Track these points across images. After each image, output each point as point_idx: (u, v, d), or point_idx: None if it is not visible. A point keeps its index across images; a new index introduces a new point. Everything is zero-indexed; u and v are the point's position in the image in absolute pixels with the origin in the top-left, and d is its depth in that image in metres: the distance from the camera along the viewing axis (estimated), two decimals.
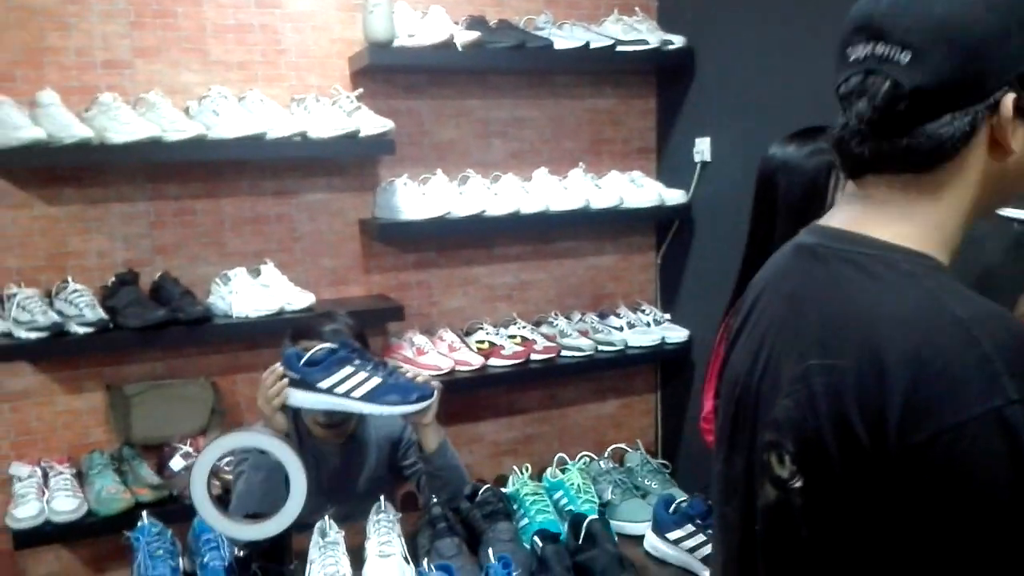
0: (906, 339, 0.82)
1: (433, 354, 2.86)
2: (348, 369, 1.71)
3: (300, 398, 1.73)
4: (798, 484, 0.89)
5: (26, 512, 2.38)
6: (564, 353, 2.99)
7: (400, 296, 2.97)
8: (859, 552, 0.86)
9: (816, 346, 0.89)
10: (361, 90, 2.74)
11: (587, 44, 2.88)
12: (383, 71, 2.83)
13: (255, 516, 1.30)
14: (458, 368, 2.85)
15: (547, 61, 2.91)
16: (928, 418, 0.79)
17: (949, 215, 0.90)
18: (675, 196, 3.09)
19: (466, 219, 2.80)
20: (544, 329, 3.09)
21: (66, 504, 2.41)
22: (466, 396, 3.10)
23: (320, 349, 1.72)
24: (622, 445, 2.14)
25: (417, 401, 1.79)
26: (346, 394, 1.70)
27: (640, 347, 3.08)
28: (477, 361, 2.86)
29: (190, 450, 2.61)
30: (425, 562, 1.56)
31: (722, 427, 1.08)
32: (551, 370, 2.98)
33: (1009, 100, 0.83)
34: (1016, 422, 0.76)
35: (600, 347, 3.03)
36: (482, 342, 2.95)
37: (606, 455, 2.08)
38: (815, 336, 0.90)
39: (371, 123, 2.67)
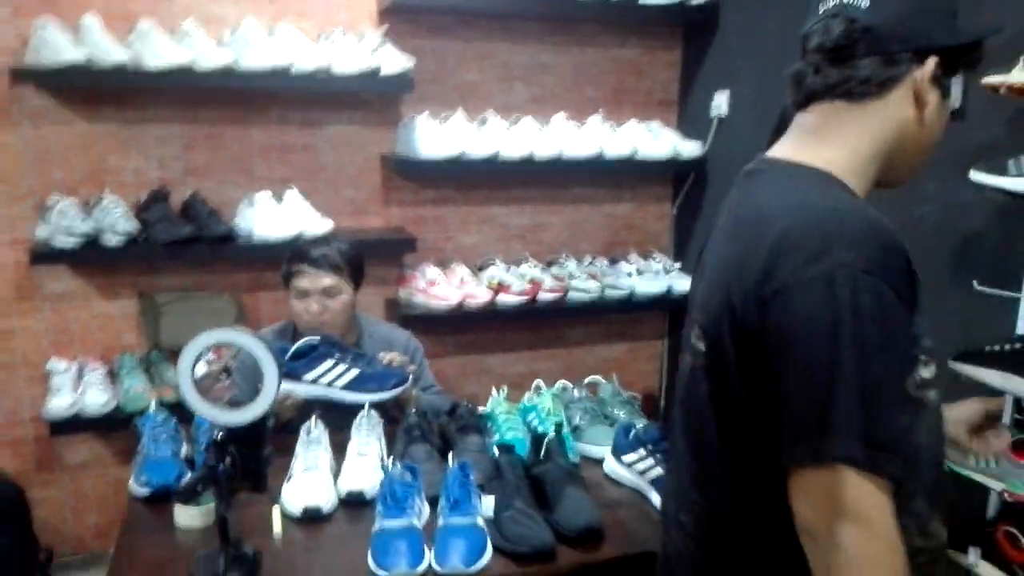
0: (779, 223, 1.05)
1: (444, 286, 3.00)
2: (329, 363, 1.92)
3: (287, 387, 1.93)
4: (702, 347, 1.14)
5: (61, 402, 2.62)
6: (571, 294, 3.10)
7: (416, 230, 3.10)
8: (738, 396, 1.09)
9: (728, 241, 1.14)
10: (387, 25, 2.85)
11: None
12: (409, 10, 2.92)
13: (235, 404, 1.46)
14: (467, 301, 2.98)
15: (571, 8, 2.97)
16: (775, 277, 1.02)
17: (863, 144, 1.12)
18: (691, 148, 3.15)
19: (481, 160, 2.90)
20: (554, 270, 3.20)
21: (97, 398, 2.64)
22: (476, 329, 3.24)
23: (304, 343, 1.90)
24: (598, 377, 2.26)
25: (394, 387, 1.98)
26: (329, 384, 1.90)
27: (647, 294, 3.16)
28: (486, 295, 2.99)
29: (213, 356, 2.80)
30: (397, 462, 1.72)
31: (684, 332, 1.27)
32: (558, 310, 3.10)
33: (931, 63, 1.08)
34: (841, 280, 0.97)
35: (607, 290, 3.13)
36: (493, 278, 3.08)
37: (584, 384, 2.21)
38: (728, 233, 1.15)
39: (393, 61, 2.78)
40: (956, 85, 2.05)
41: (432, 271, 3.02)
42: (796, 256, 1.00)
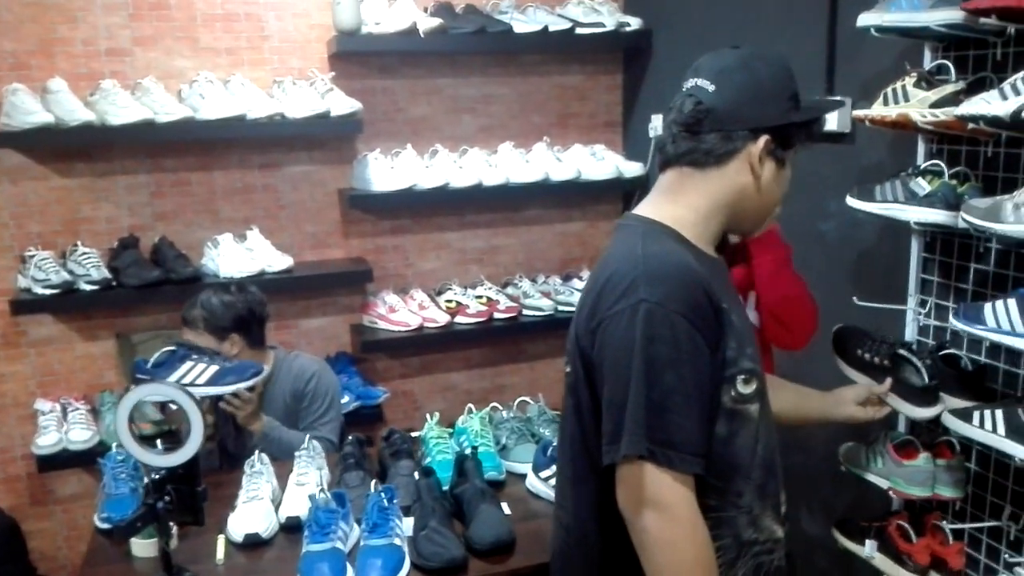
0: (608, 270, 1.29)
1: (403, 312, 3.18)
2: (188, 364, 2.10)
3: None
4: (568, 369, 1.39)
5: (47, 441, 2.81)
6: (526, 312, 3.27)
7: (377, 259, 3.29)
8: (586, 396, 1.32)
9: (586, 284, 1.39)
10: (333, 73, 3.04)
11: (546, 27, 3.10)
12: (358, 54, 3.10)
13: (168, 449, 1.64)
14: (426, 325, 3.16)
15: (509, 44, 3.14)
16: (598, 312, 1.27)
17: (703, 204, 1.35)
18: (633, 169, 3.31)
19: (432, 190, 3.08)
20: (509, 290, 3.37)
21: (81, 435, 2.83)
22: (439, 349, 3.43)
23: (162, 352, 2.09)
24: (525, 398, 2.43)
25: (252, 376, 2.16)
26: (192, 383, 2.06)
27: None
28: (444, 319, 3.17)
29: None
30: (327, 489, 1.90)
31: None
32: (513, 328, 3.27)
33: (763, 140, 1.31)
34: (641, 312, 1.21)
35: (560, 307, 3.29)
36: (450, 301, 3.26)
37: (514, 406, 2.38)
38: (590, 280, 1.38)
39: (341, 104, 2.96)
40: (843, 113, 2.22)
41: (391, 298, 3.20)
42: (613, 295, 1.25)
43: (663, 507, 1.20)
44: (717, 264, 1.40)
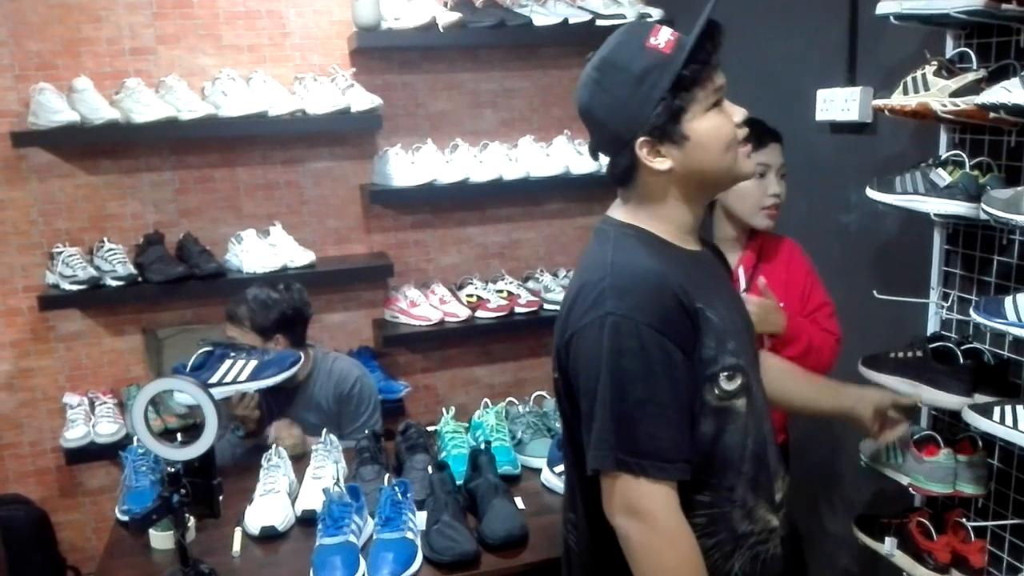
0: (579, 281, 1.30)
1: (425, 306, 3.19)
2: (228, 363, 2.08)
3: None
4: (556, 376, 1.37)
5: (75, 434, 2.86)
6: (547, 307, 3.26)
7: (398, 253, 3.30)
8: (568, 406, 1.34)
9: (566, 293, 1.37)
10: (354, 69, 3.05)
11: (566, 20, 3.09)
12: (379, 50, 3.11)
13: (183, 443, 1.66)
14: (447, 319, 3.17)
15: (529, 37, 3.13)
16: (570, 325, 1.28)
17: (659, 203, 1.33)
18: None
19: (452, 185, 3.08)
20: (530, 284, 3.37)
21: (108, 428, 2.89)
22: (459, 343, 3.43)
23: (200, 354, 2.09)
24: (542, 393, 2.42)
25: (292, 365, 2.14)
26: (234, 381, 2.06)
27: None
28: (464, 313, 3.18)
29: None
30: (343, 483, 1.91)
31: None
32: (534, 322, 3.26)
33: (636, 144, 1.27)
34: (606, 324, 1.21)
35: None
36: (471, 296, 3.26)
37: (530, 400, 2.38)
38: (568, 287, 1.37)
39: (362, 100, 2.97)
40: (864, 104, 2.18)
41: (412, 292, 3.21)
42: (583, 307, 1.26)
43: (641, 515, 1.21)
44: (700, 257, 1.38)
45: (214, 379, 2.06)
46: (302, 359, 2.23)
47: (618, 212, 1.37)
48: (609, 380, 1.21)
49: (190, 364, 2.07)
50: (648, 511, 1.20)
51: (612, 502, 1.23)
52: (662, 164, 1.28)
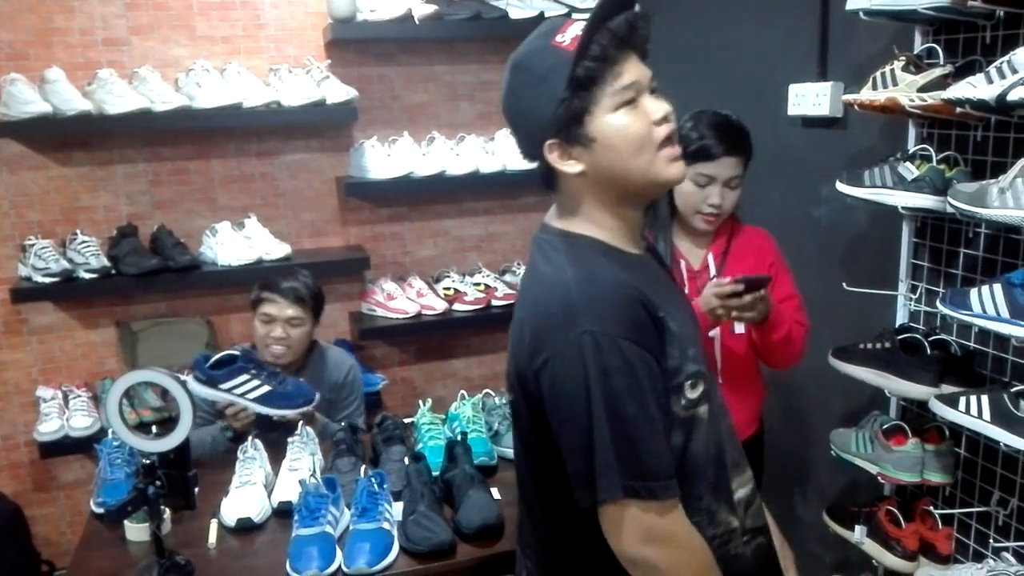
0: (537, 295, 1.25)
1: (402, 299, 3.19)
2: (245, 376, 2.12)
3: (202, 392, 2.13)
4: (511, 398, 1.34)
5: (49, 428, 2.84)
6: None
7: (375, 246, 3.30)
8: (534, 442, 1.28)
9: (517, 307, 1.33)
10: (329, 61, 3.04)
11: (542, 13, 3.09)
12: (354, 42, 3.10)
13: (158, 435, 1.66)
14: (424, 312, 3.17)
15: (505, 30, 3.12)
16: (540, 351, 1.19)
17: (583, 209, 1.26)
18: None
19: (429, 178, 3.08)
20: (507, 278, 3.38)
21: (82, 422, 2.87)
22: (437, 336, 3.44)
23: (227, 353, 2.10)
24: None
25: (303, 405, 2.18)
26: (242, 395, 2.11)
27: None
28: (441, 306, 3.18)
29: (188, 379, 3.03)
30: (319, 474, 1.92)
31: None
32: (511, 315, 3.24)
33: (545, 147, 1.22)
34: (585, 343, 1.14)
35: None
36: (448, 289, 3.27)
37: (506, 392, 2.39)
38: (519, 299, 1.34)
39: (337, 92, 2.97)
40: (835, 98, 2.22)
41: (389, 285, 3.21)
42: (552, 328, 1.18)
43: (665, 540, 1.16)
44: (644, 263, 1.32)
45: (225, 384, 2.08)
46: (315, 401, 2.26)
47: (554, 220, 1.31)
48: (602, 403, 1.13)
49: (213, 360, 2.11)
50: (672, 533, 1.17)
51: (625, 533, 1.15)
52: (572, 167, 1.22)
